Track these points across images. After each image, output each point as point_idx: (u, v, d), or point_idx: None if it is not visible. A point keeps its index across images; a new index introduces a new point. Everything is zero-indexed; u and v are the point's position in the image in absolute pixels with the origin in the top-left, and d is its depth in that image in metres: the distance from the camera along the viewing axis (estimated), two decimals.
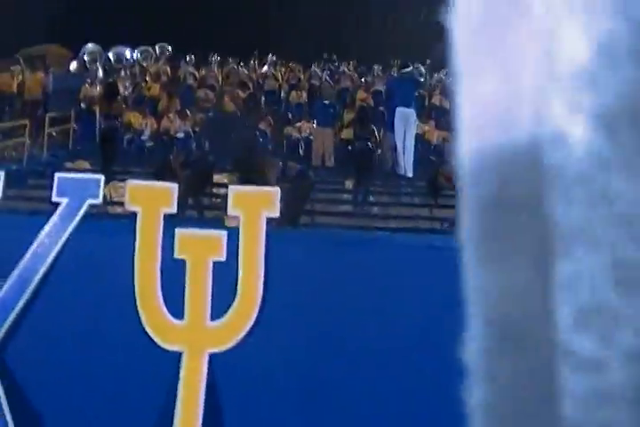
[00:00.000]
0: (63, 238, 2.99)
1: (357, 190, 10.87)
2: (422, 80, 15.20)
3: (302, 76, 16.48)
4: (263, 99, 14.97)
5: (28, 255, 2.96)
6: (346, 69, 16.76)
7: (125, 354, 3.00)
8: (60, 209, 3.03)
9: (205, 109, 12.72)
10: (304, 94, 15.00)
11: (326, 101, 13.36)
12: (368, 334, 3.06)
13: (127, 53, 16.53)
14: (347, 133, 11.91)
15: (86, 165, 11.16)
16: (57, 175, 3.12)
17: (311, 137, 12.76)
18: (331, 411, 3.04)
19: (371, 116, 11.36)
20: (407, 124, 12.17)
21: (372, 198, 11.02)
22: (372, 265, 3.12)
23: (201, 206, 9.33)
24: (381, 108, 13.28)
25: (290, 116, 14.85)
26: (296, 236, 4.16)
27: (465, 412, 0.38)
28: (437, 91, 15.23)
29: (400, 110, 12.07)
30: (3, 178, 3.10)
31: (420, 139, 13.12)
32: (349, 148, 11.53)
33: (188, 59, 17.88)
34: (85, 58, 15.79)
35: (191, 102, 14.34)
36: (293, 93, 15.11)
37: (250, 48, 18.96)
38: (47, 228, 2.99)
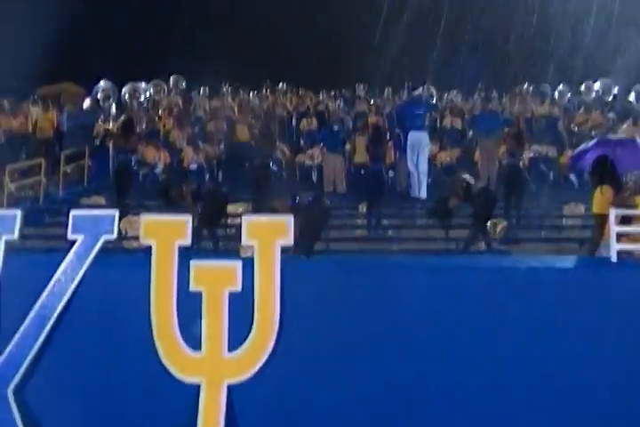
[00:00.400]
0: (79, 275, 3.02)
1: (371, 214, 10.85)
2: (433, 102, 15.24)
3: (310, 103, 16.62)
4: (274, 128, 15.07)
5: (45, 293, 2.98)
6: (362, 93, 16.88)
7: (144, 387, 2.99)
8: (75, 246, 3.06)
9: (217, 141, 12.82)
10: (314, 121, 15.10)
11: (334, 127, 13.42)
12: (387, 360, 3.03)
13: (140, 88, 16.75)
14: (359, 157, 11.92)
15: (101, 200, 11.27)
16: (72, 213, 3.15)
17: (322, 163, 12.80)
18: None
19: (383, 138, 11.38)
20: (420, 147, 12.19)
21: (385, 222, 11.00)
22: (389, 289, 3.11)
23: (216, 237, 9.35)
24: (397, 131, 13.31)
25: (301, 143, 14.94)
26: (311, 263, 4.15)
27: None
28: (447, 112, 15.25)
29: (412, 134, 12.10)
30: (20, 217, 3.13)
31: (432, 160, 13.12)
32: (362, 171, 11.54)
33: (200, 90, 18.10)
34: (99, 95, 16.03)
35: (203, 134, 14.49)
36: (304, 121, 15.22)
37: (261, 77, 19.18)
38: (63, 265, 3.02)
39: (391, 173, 12.50)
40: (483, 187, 9.59)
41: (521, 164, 11.09)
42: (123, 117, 13.82)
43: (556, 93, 17.21)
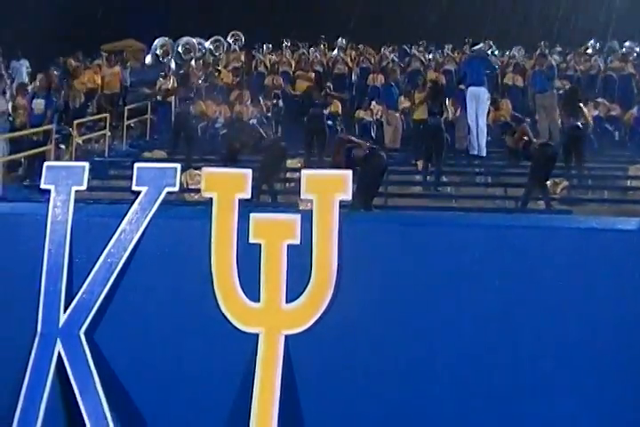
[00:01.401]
0: (144, 225, 3.11)
1: (428, 171, 10.76)
2: (494, 58, 14.85)
3: (373, 59, 16.39)
4: (332, 83, 14.97)
5: (112, 241, 3.10)
6: (415, 51, 16.54)
7: (204, 336, 3.10)
8: (140, 197, 3.15)
9: (275, 96, 12.84)
10: (380, 77, 14.92)
11: (392, 84, 13.24)
12: (443, 317, 3.06)
13: (194, 43, 16.79)
14: (418, 114, 11.79)
15: (163, 154, 11.49)
16: (136, 165, 3.23)
17: (382, 119, 12.70)
18: (407, 393, 3.07)
19: (441, 93, 11.19)
20: (479, 104, 11.98)
21: (445, 179, 10.90)
22: (445, 246, 3.11)
23: (275, 191, 9.47)
24: (460, 86, 13.03)
25: (361, 99, 14.82)
26: (369, 217, 4.17)
27: None
28: (510, 69, 14.84)
29: (472, 89, 11.87)
30: (87, 169, 3.24)
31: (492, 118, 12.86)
32: (421, 127, 11.43)
33: (260, 47, 18.04)
34: (158, 51, 16.16)
35: (263, 89, 14.51)
36: (370, 77, 15.06)
37: (320, 32, 18.97)
38: (128, 215, 3.12)
39: (452, 131, 12.32)
40: (541, 143, 9.38)
41: (581, 123, 10.71)
42: (180, 73, 13.95)
43: (625, 50, 16.50)
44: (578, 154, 10.42)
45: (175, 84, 12.84)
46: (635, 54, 16.40)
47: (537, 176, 9.16)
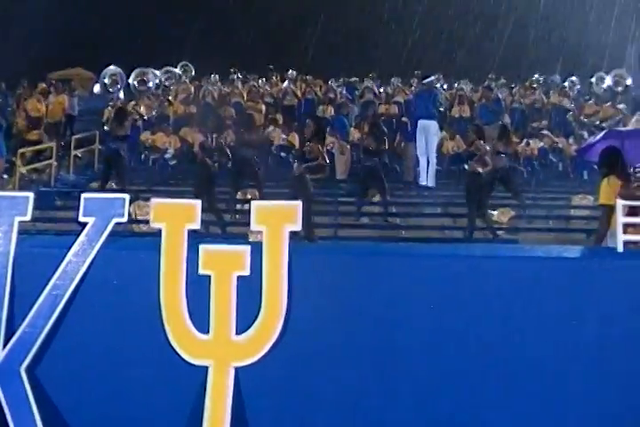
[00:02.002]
0: (91, 256, 3.06)
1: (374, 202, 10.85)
2: (443, 92, 15.21)
3: (319, 91, 16.58)
4: (282, 114, 15.08)
5: (57, 273, 3.03)
6: (368, 84, 16.81)
7: (152, 369, 3.05)
8: (87, 228, 3.10)
9: (227, 127, 12.83)
10: (330, 109, 15.07)
11: (344, 116, 13.41)
12: (393, 344, 3.08)
13: (148, 74, 16.75)
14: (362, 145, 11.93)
15: (112, 185, 11.32)
16: (83, 196, 3.19)
17: (333, 151, 12.80)
18: (358, 423, 3.06)
19: (380, 131, 11.27)
20: (429, 136, 12.20)
21: (394, 210, 11.01)
22: (394, 275, 3.14)
23: (223, 222, 9.47)
24: (404, 119, 13.26)
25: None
26: (318, 249, 4.19)
27: None
28: (456, 101, 15.19)
29: (422, 122, 12.11)
30: (32, 199, 3.18)
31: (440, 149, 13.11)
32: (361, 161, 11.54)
33: (211, 77, 18.09)
34: (106, 80, 16.04)
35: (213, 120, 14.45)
36: (320, 108, 15.19)
37: (269, 63, 19.17)
38: (75, 247, 3.06)
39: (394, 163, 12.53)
40: (475, 173, 9.56)
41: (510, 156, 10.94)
42: (116, 106, 13.78)
43: (567, 84, 17.10)
44: (510, 185, 10.66)
45: (112, 116, 12.52)
46: (575, 90, 17.05)
47: (472, 204, 9.42)
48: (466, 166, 9.92)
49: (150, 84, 16.59)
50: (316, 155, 8.39)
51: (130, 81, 16.34)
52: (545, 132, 14.36)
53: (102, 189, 10.33)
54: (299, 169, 8.25)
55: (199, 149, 10.21)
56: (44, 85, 16.28)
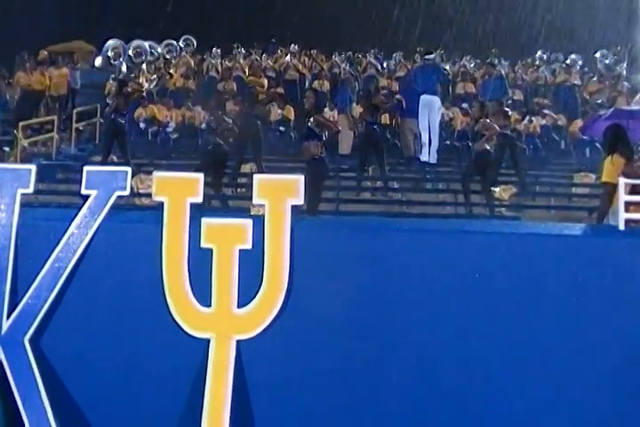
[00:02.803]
0: (93, 229, 3.07)
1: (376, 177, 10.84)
2: (446, 69, 15.07)
3: (324, 66, 16.43)
4: (284, 89, 14.97)
5: (60, 245, 3.04)
6: (371, 59, 16.66)
7: (154, 341, 3.07)
8: (89, 201, 3.10)
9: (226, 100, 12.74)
10: (326, 83, 14.97)
11: (348, 90, 13.30)
12: (392, 320, 3.10)
13: (150, 47, 16.58)
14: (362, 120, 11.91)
15: (114, 158, 11.31)
16: (85, 168, 3.18)
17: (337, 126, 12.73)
18: (358, 396, 3.09)
19: (382, 101, 11.24)
20: (431, 111, 12.13)
21: (395, 185, 11.00)
22: (396, 250, 3.15)
23: (222, 196, 9.46)
24: (398, 97, 13.19)
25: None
26: (320, 223, 4.19)
27: None
28: (460, 78, 15.08)
29: (424, 98, 12.02)
30: (34, 172, 3.17)
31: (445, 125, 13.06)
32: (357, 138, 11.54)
33: (213, 51, 17.93)
34: (109, 53, 15.88)
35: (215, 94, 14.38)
36: (316, 83, 15.09)
37: (271, 38, 18.98)
38: (77, 219, 3.07)
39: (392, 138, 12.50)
40: (482, 150, 9.53)
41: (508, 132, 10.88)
42: (116, 79, 13.68)
43: (569, 62, 16.94)
44: (514, 160, 10.63)
45: (115, 90, 12.43)
46: (577, 66, 16.90)
47: (468, 179, 9.44)
48: (470, 144, 9.88)
49: (149, 54, 16.38)
50: (326, 125, 8.33)
51: (128, 53, 16.18)
52: (546, 111, 14.26)
53: (104, 163, 10.33)
54: (316, 149, 8.12)
55: (207, 131, 10.13)
56: (45, 53, 16.15)
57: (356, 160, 11.08)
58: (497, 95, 12.84)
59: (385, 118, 11.00)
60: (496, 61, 16.28)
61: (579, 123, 13.18)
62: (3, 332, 3.00)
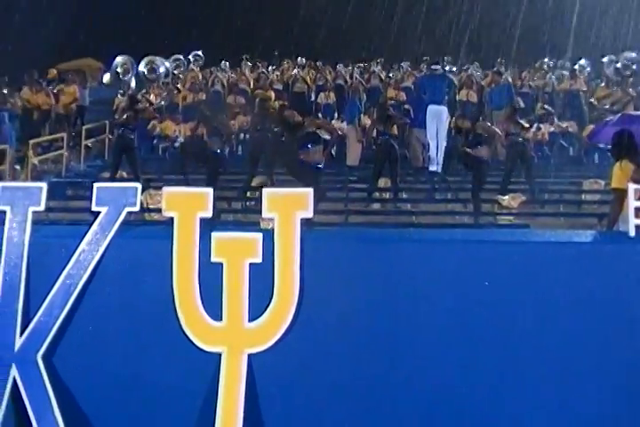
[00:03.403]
0: (104, 245, 3.09)
1: (387, 189, 10.84)
2: (451, 77, 15.09)
3: (329, 77, 16.50)
4: (292, 101, 15.03)
5: (71, 263, 3.06)
6: (375, 69, 16.70)
7: (166, 356, 3.07)
8: (99, 218, 3.12)
9: (235, 115, 12.81)
10: (331, 95, 15.03)
11: (353, 101, 13.33)
12: (405, 331, 3.09)
13: (159, 63, 16.70)
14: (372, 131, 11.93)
15: (123, 174, 11.37)
16: (96, 185, 3.21)
17: (345, 137, 12.76)
18: (370, 408, 3.08)
19: (393, 114, 11.28)
20: (439, 122, 12.14)
21: (404, 195, 11.00)
22: (407, 261, 3.15)
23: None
24: (406, 106, 13.20)
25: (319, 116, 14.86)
26: (330, 235, 4.20)
27: None
28: (464, 85, 15.08)
29: (432, 108, 12.04)
30: (45, 189, 3.20)
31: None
32: (373, 147, 11.57)
33: (221, 64, 18.06)
34: (118, 70, 16.01)
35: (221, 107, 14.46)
36: (321, 95, 15.15)
37: (276, 50, 19.10)
38: (88, 236, 3.09)
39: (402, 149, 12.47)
40: (478, 158, 9.53)
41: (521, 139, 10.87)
42: (127, 94, 13.77)
43: (577, 67, 16.91)
44: (526, 168, 10.64)
45: (123, 105, 12.51)
46: (585, 73, 16.88)
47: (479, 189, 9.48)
48: (467, 150, 9.87)
49: (162, 70, 16.49)
50: (325, 127, 8.34)
51: (140, 69, 16.30)
52: (554, 118, 14.23)
53: (112, 179, 10.39)
54: (322, 155, 8.17)
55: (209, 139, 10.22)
56: (54, 71, 16.30)
57: (364, 172, 11.09)
58: (503, 103, 12.85)
59: (394, 129, 11.02)
60: (502, 69, 16.30)
61: (591, 128, 13.15)
62: (16, 349, 3.01)
